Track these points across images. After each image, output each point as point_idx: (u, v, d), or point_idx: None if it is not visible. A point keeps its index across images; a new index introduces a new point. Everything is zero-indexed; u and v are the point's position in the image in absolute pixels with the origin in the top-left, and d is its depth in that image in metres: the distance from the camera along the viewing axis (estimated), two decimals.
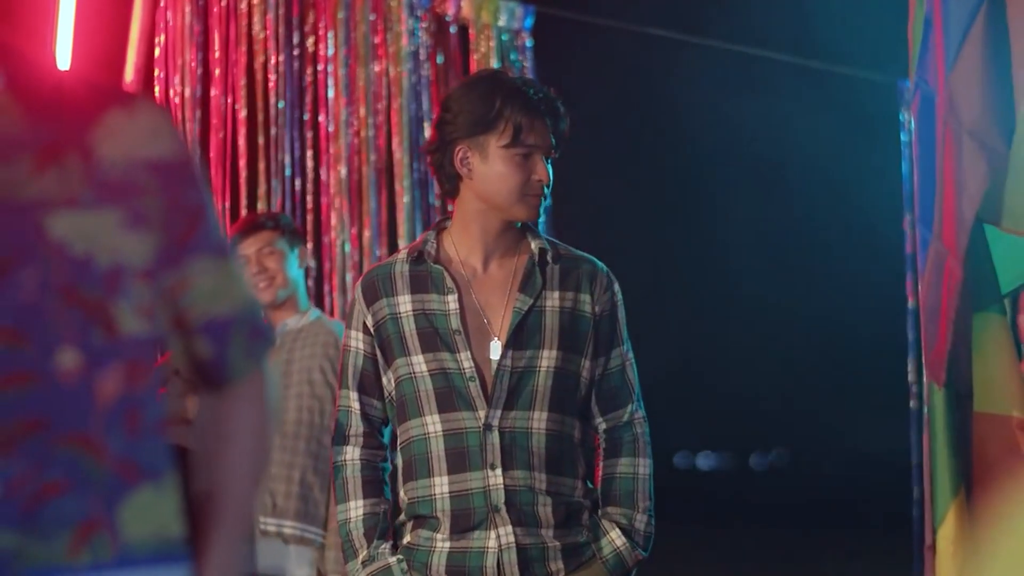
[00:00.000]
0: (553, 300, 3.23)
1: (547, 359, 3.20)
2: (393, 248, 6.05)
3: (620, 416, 3.30)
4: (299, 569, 4.64)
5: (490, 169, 3.19)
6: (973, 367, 3.37)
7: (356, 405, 3.26)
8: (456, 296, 3.21)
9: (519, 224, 3.28)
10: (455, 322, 3.19)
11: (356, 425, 3.25)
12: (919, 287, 3.56)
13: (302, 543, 4.63)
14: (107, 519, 1.65)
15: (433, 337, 3.19)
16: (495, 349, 3.19)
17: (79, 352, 1.63)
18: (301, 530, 4.61)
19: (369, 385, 3.26)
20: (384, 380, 3.25)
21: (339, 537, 4.56)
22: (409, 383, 3.20)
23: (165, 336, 1.76)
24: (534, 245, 3.27)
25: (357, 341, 3.26)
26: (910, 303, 7.07)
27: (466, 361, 3.17)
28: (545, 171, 3.20)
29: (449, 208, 3.38)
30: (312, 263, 5.01)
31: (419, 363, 3.19)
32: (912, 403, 7.13)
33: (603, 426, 3.30)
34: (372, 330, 3.24)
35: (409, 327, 3.20)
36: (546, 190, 3.22)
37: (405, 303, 3.22)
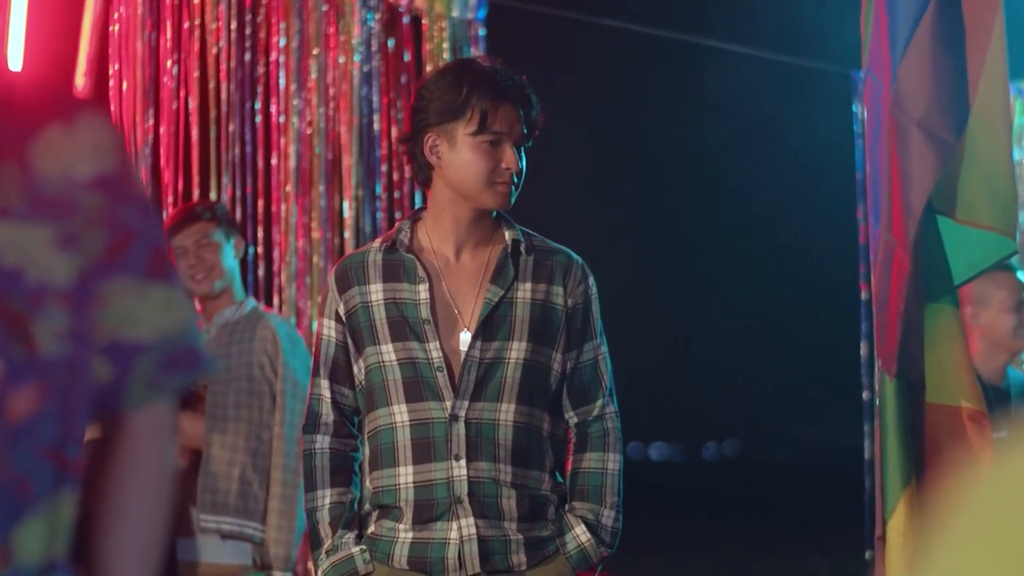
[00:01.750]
0: (524, 291, 3.21)
1: (516, 351, 3.18)
2: (344, 239, 6.04)
3: (590, 410, 3.27)
4: (235, 559, 4.62)
5: (458, 157, 3.17)
6: (925, 358, 3.39)
7: (327, 394, 3.24)
8: (427, 286, 3.19)
9: (494, 214, 3.26)
10: (425, 311, 3.17)
11: (327, 414, 3.23)
12: (871, 278, 3.57)
13: (241, 539, 4.61)
14: (5, 538, 1.58)
15: (403, 326, 3.17)
16: (464, 340, 3.17)
17: (2, 362, 1.57)
18: (240, 526, 4.59)
19: (341, 374, 3.24)
20: (355, 369, 3.24)
21: (279, 533, 4.57)
22: (378, 372, 3.18)
23: (82, 360, 1.65)
24: (508, 236, 3.24)
25: (329, 329, 3.24)
26: (863, 294, 7.08)
27: (435, 351, 3.15)
28: (514, 159, 3.17)
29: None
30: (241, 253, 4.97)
31: (388, 352, 3.17)
32: (864, 394, 7.15)
33: (574, 420, 3.27)
34: (344, 318, 3.22)
35: (380, 316, 3.18)
36: (516, 178, 3.20)
37: (377, 292, 3.20)
